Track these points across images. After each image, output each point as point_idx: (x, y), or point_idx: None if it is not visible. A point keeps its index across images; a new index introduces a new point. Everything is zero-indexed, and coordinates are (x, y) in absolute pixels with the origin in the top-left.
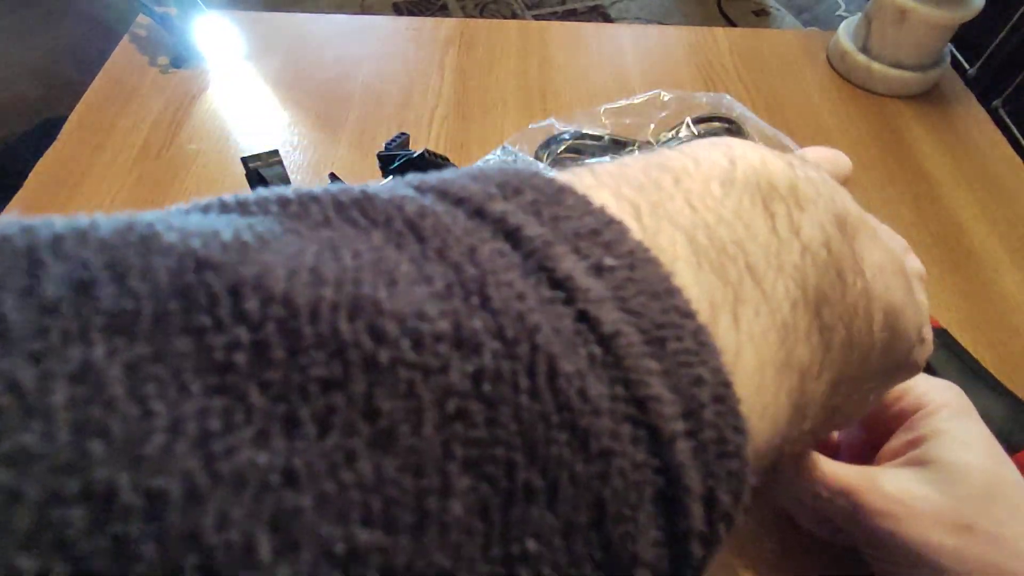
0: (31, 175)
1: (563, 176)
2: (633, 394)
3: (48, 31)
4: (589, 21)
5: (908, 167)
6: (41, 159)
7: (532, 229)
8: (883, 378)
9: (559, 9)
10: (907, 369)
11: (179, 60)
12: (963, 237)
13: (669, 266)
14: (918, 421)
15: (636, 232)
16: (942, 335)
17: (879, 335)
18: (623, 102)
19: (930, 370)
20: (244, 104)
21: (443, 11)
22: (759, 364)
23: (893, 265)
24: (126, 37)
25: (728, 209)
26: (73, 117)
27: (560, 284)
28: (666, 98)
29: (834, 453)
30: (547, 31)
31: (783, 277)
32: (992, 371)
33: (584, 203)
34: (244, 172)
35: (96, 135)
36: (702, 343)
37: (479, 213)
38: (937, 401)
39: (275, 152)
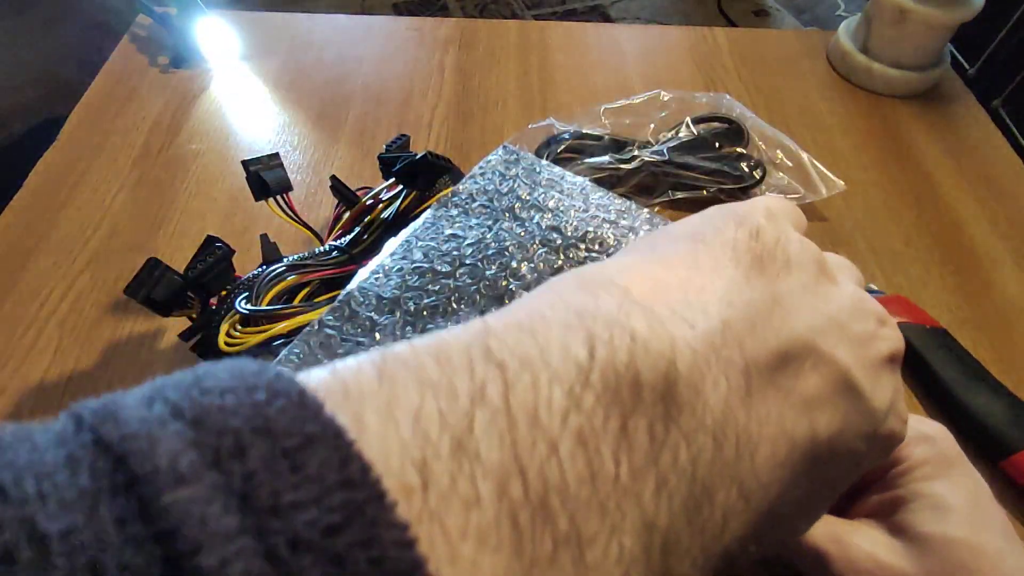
0: (31, 175)
1: (334, 404)
2: None
3: (48, 32)
4: (589, 21)
5: (908, 167)
6: (41, 159)
7: (211, 555)
8: (829, 491)
9: (559, 9)
10: (872, 456)
11: (179, 60)
12: (963, 237)
13: (448, 560)
14: (896, 479)
15: (413, 503)
16: (942, 335)
17: (793, 489)
18: (623, 102)
19: (930, 370)
20: (244, 104)
21: (443, 11)
22: None
23: (834, 385)
24: (126, 37)
25: (569, 435)
26: (73, 117)
27: None
28: (666, 98)
29: None
30: (547, 31)
31: (620, 534)
32: (992, 371)
33: (336, 467)
34: (244, 175)
35: (96, 135)
36: None
37: (146, 514)
38: (916, 457)
39: (276, 155)
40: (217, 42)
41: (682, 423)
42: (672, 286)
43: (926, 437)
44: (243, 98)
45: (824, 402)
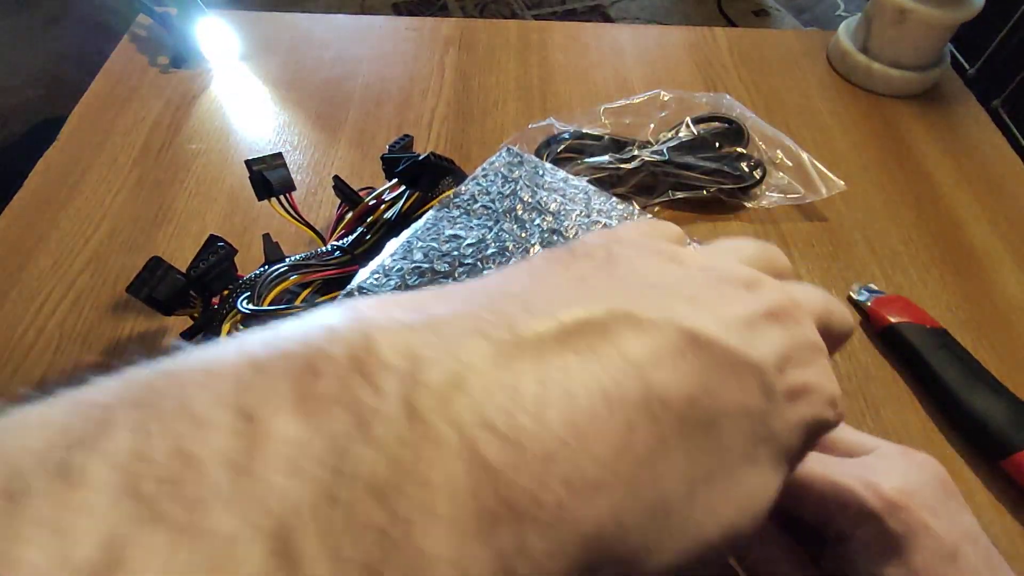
0: (31, 175)
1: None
2: None
3: (48, 32)
4: (589, 21)
5: (908, 167)
6: (41, 159)
7: None
8: (738, 459)
9: (559, 9)
10: (785, 410)
11: (179, 60)
12: (963, 237)
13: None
14: (841, 559)
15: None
16: (942, 335)
17: (659, 457)
18: (623, 102)
19: (930, 370)
20: (244, 104)
21: (443, 11)
22: None
23: (672, 343)
24: (126, 37)
25: (227, 415)
26: (73, 117)
27: None
28: (666, 98)
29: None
30: (547, 31)
31: (293, 475)
32: (992, 371)
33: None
34: (247, 174)
35: (96, 135)
36: None
37: None
38: (858, 537)
39: (279, 155)
40: (217, 42)
41: (381, 381)
42: (427, 301)
43: (870, 516)
44: (243, 98)
45: (660, 360)
